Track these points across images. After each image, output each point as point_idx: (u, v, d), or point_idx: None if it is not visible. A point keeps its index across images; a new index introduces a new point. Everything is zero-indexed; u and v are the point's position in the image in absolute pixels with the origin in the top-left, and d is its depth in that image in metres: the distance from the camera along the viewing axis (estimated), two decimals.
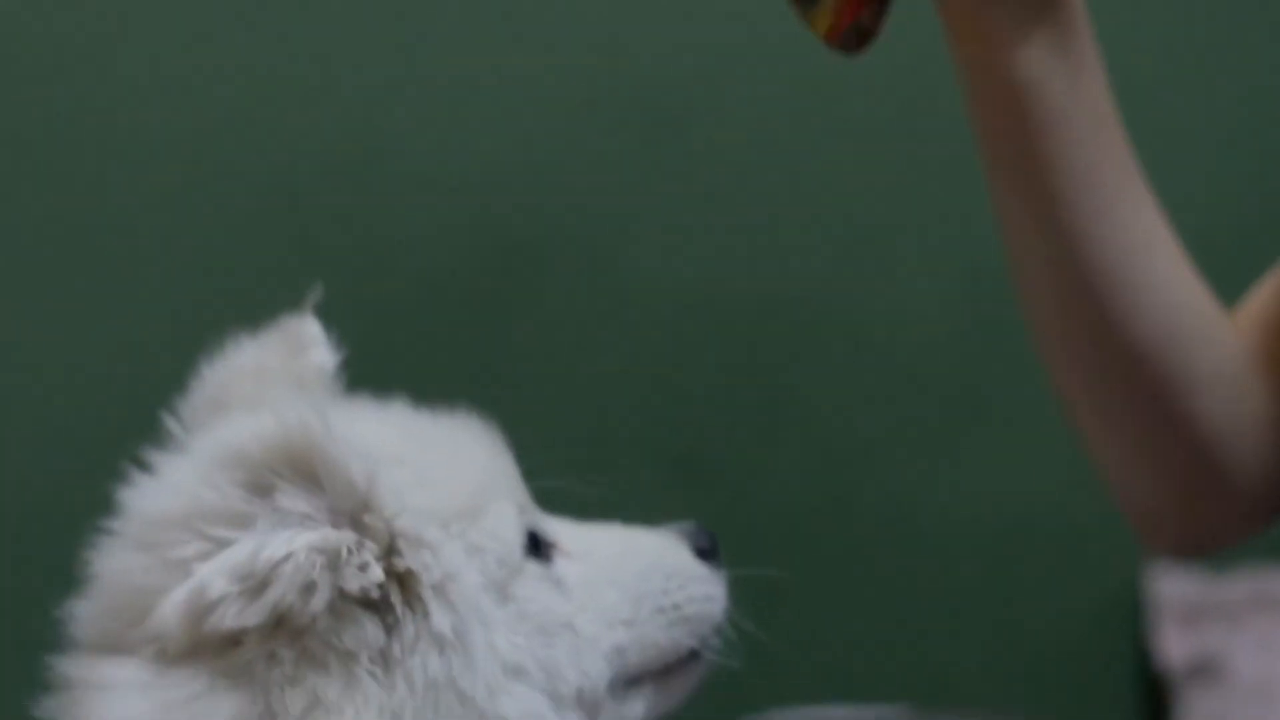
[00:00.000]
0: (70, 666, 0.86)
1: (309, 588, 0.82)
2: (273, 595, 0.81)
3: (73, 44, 1.68)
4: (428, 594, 0.85)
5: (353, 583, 0.83)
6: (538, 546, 0.93)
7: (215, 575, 0.81)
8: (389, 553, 0.85)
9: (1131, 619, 1.91)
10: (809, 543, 1.79)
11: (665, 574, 0.97)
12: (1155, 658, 1.88)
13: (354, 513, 0.84)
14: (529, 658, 0.89)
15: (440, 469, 0.90)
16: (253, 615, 0.81)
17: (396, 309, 1.77)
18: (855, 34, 1.01)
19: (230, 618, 0.81)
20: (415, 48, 1.74)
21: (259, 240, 1.72)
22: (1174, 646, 1.87)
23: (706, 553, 0.99)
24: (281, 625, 0.82)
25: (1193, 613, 1.85)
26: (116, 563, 0.86)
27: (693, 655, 0.97)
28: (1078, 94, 1.02)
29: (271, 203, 1.72)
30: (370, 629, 0.84)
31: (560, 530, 0.96)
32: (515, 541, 0.91)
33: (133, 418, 1.70)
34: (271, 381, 0.96)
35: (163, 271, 1.70)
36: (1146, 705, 1.90)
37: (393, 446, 0.89)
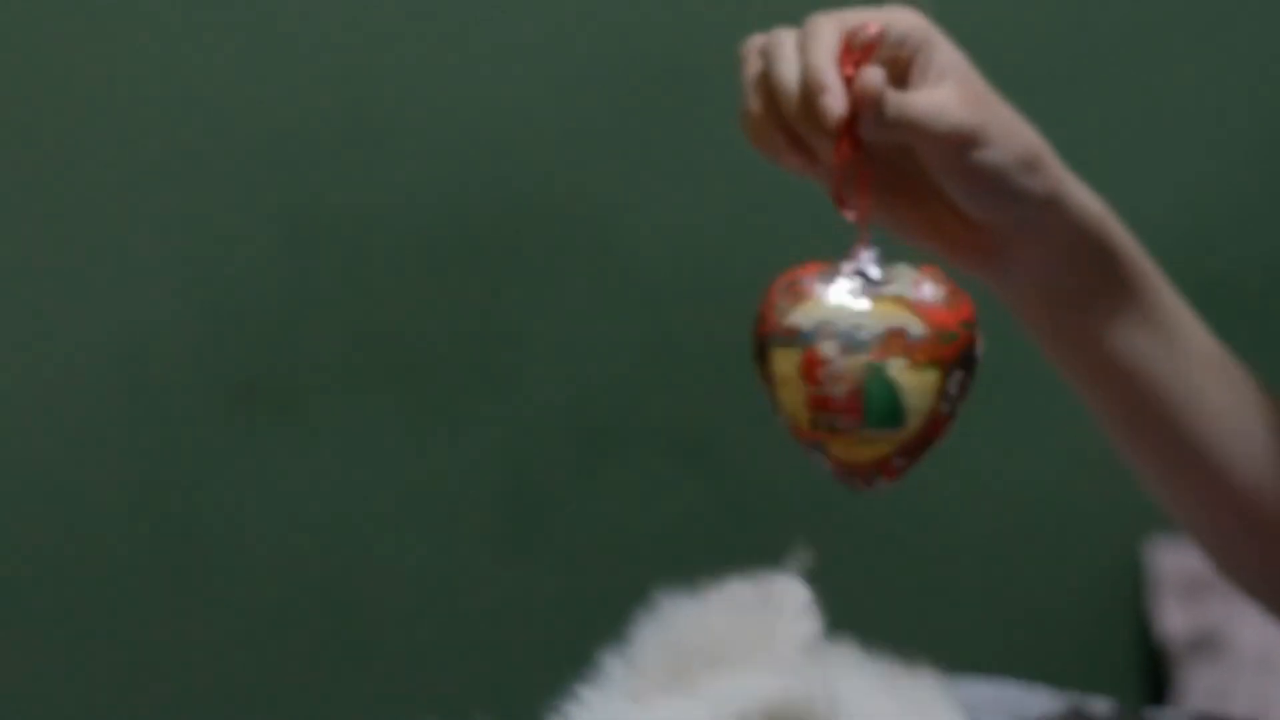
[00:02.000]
0: None
1: None
2: None
3: (61, 11, 1.68)
4: None
5: None
6: None
7: None
8: None
9: (1132, 592, 1.91)
10: (814, 521, 1.79)
11: None
12: (1156, 631, 1.88)
13: None
14: None
15: None
16: None
17: (390, 282, 1.76)
18: (895, 471, 0.97)
19: None
20: (410, 17, 1.74)
21: (251, 213, 1.72)
22: (1175, 619, 1.87)
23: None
24: None
25: (1193, 586, 1.86)
26: None
27: None
28: (1178, 353, 1.05)
29: (266, 174, 1.72)
30: None
31: None
32: None
33: (129, 391, 1.72)
34: (768, 640, 0.89)
35: (151, 243, 1.70)
36: (1148, 678, 1.90)
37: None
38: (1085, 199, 1.01)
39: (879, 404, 0.93)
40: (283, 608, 1.76)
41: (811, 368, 0.93)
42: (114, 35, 1.69)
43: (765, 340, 0.95)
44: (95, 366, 1.69)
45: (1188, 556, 1.88)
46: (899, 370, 0.92)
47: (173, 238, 1.70)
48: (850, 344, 0.93)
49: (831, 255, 1.81)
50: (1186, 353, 1.05)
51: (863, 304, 0.94)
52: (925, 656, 1.30)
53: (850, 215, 0.97)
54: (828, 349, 0.93)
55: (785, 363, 0.94)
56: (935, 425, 0.95)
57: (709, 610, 0.90)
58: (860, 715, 0.81)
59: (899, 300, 0.93)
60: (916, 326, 0.93)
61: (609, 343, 1.80)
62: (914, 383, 0.93)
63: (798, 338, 0.93)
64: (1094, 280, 1.02)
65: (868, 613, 1.94)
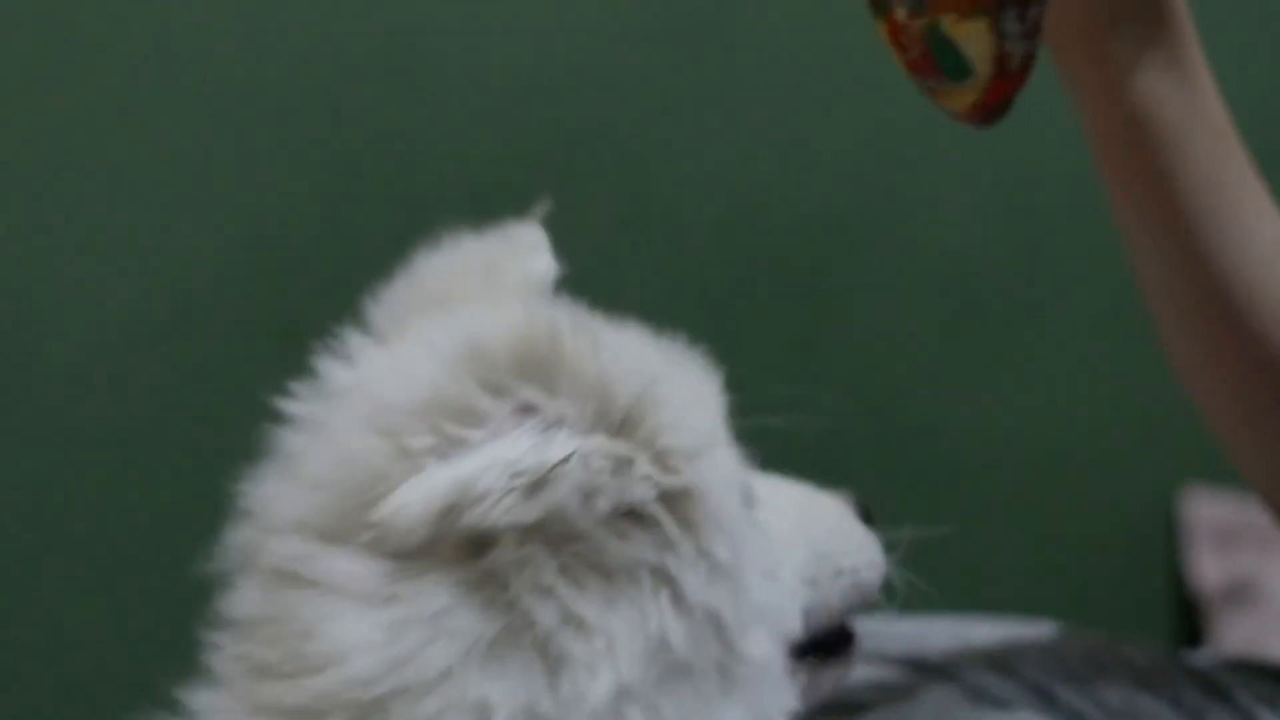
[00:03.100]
0: (278, 546, 0.80)
1: (592, 493, 0.77)
2: (551, 496, 0.76)
3: None
4: (703, 515, 0.80)
5: (636, 492, 0.78)
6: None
7: (485, 469, 0.75)
8: (662, 464, 0.80)
9: (1166, 542, 1.91)
10: (849, 463, 1.80)
11: (844, 536, 0.94)
12: (1189, 580, 1.89)
13: (620, 424, 0.79)
14: (768, 598, 0.84)
15: (693, 393, 0.85)
16: (522, 514, 0.76)
17: (426, 221, 1.76)
18: (1000, 110, 0.97)
19: (496, 515, 0.75)
20: None
21: (296, 157, 1.72)
22: (1208, 569, 1.87)
23: (867, 520, 0.97)
24: (543, 530, 0.77)
25: (1227, 536, 1.86)
26: (345, 442, 0.80)
27: (846, 637, 0.94)
28: (1195, 110, 1.02)
29: (311, 118, 1.72)
30: (642, 546, 0.79)
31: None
32: (747, 479, 0.87)
33: (174, 334, 1.73)
34: (497, 282, 0.91)
35: (199, 182, 1.70)
36: (1181, 628, 1.91)
37: (648, 361, 0.83)
38: None
39: (946, 60, 0.95)
40: None
41: (894, 34, 0.96)
42: None
43: (872, 7, 0.97)
44: (139, 306, 1.70)
45: (1222, 506, 1.88)
46: (950, 24, 0.94)
47: (218, 181, 1.71)
48: (914, 7, 0.95)
49: (867, 192, 1.82)
50: (1203, 114, 1.02)
51: None
52: (960, 602, 1.32)
53: None
54: (899, 14, 0.95)
55: (880, 30, 0.97)
56: (1005, 62, 0.96)
57: (450, 257, 0.93)
58: (627, 352, 0.81)
59: None
60: None
61: (645, 281, 1.80)
62: (966, 33, 0.94)
63: (880, 4, 0.96)
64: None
65: (902, 553, 1.95)
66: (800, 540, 0.90)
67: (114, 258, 1.69)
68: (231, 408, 1.73)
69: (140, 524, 1.72)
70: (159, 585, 1.74)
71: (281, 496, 0.82)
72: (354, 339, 0.87)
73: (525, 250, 0.95)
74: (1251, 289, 1.05)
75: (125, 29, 1.69)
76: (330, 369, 0.85)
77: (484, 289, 0.90)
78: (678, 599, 0.79)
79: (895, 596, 0.96)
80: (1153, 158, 1.02)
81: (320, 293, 1.73)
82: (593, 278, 1.92)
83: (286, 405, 0.85)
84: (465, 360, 0.79)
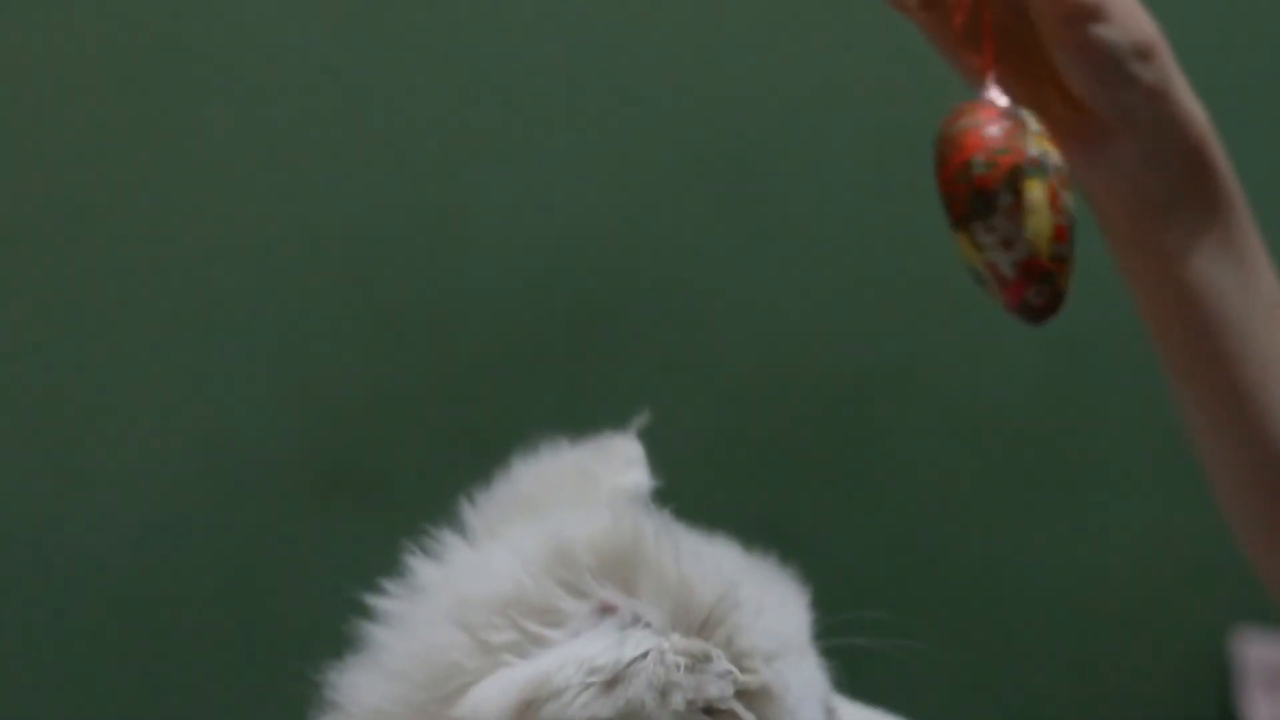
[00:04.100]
0: None
1: (668, 689, 0.79)
2: (628, 692, 0.78)
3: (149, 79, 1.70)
4: (780, 713, 0.83)
5: (714, 690, 0.80)
6: None
7: (563, 664, 0.78)
8: (738, 663, 0.82)
9: (1219, 683, 1.90)
10: (894, 605, 1.79)
11: None
12: None
13: (701, 625, 0.81)
14: None
15: (774, 599, 0.87)
16: (599, 710, 0.78)
17: (474, 370, 1.78)
18: (1033, 311, 0.97)
19: (574, 711, 0.77)
20: (494, 106, 1.76)
21: (342, 306, 1.74)
22: (1261, 711, 1.85)
23: None
24: None
25: None
26: (426, 635, 0.83)
27: None
28: (1250, 291, 1.03)
29: (356, 268, 1.74)
30: None
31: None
32: (828, 689, 0.89)
33: (219, 478, 1.73)
34: (591, 491, 0.93)
35: (243, 333, 1.72)
36: None
37: (731, 569, 0.86)
38: (1191, 103, 1.00)
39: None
40: None
41: (1055, 197, 0.94)
42: (206, 128, 1.71)
43: (1018, 169, 0.94)
44: (188, 454, 1.72)
45: (1275, 648, 1.86)
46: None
47: (266, 329, 1.73)
48: (1059, 176, 0.95)
49: (914, 339, 1.82)
50: (1258, 293, 1.02)
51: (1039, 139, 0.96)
52: None
53: (972, 63, 0.98)
54: (1056, 181, 0.94)
55: (1037, 190, 0.94)
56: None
57: (547, 464, 0.95)
58: (705, 557, 0.83)
59: (1041, 134, 0.95)
60: (1056, 155, 0.95)
61: (691, 433, 1.80)
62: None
63: (1041, 167, 0.94)
64: (1184, 188, 1.00)
65: (947, 696, 1.94)
66: None
67: (163, 404, 1.71)
68: (273, 554, 1.75)
69: (180, 668, 1.72)
70: None
71: (363, 686, 0.84)
72: (446, 538, 0.90)
73: (622, 462, 0.97)
74: None
75: (180, 180, 1.72)
76: (420, 565, 0.88)
77: (578, 497, 0.92)
78: None
79: None
80: (1208, 339, 1.03)
81: (363, 443, 1.75)
82: (644, 433, 1.93)
83: (376, 601, 0.88)
84: (548, 560, 0.82)
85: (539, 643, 0.79)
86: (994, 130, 0.94)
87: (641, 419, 0.98)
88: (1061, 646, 1.89)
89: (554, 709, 0.77)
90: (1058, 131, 0.99)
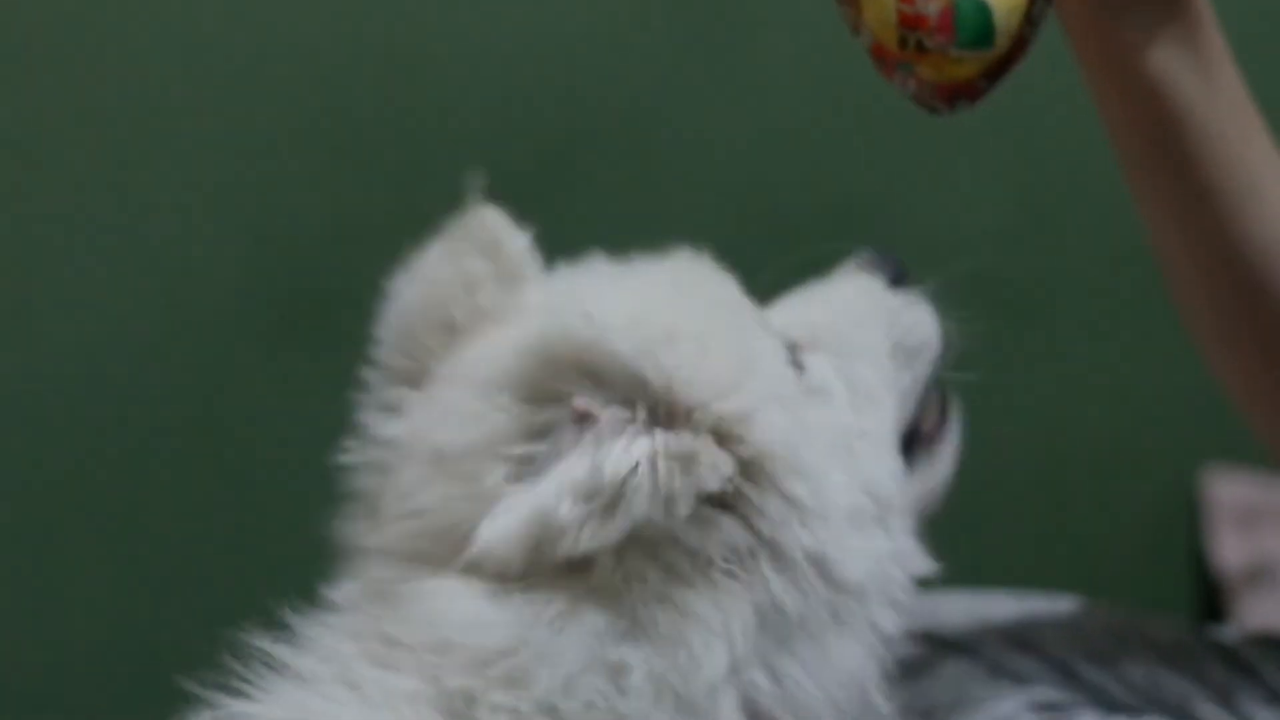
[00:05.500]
0: (379, 570, 0.82)
1: (670, 499, 0.78)
2: (630, 512, 0.77)
3: None
4: (777, 466, 0.81)
5: (712, 482, 0.79)
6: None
7: (556, 498, 0.77)
8: (724, 440, 0.80)
9: (1187, 522, 1.90)
10: None
11: (877, 319, 0.97)
12: (1211, 561, 1.88)
13: (669, 407, 0.79)
14: (855, 488, 0.85)
15: (706, 328, 0.84)
16: (608, 535, 0.77)
17: (438, 200, 1.76)
18: (980, 91, 0.97)
19: (584, 541, 0.77)
20: None
21: (298, 134, 1.71)
22: (1230, 550, 1.86)
23: (899, 279, 0.98)
24: (637, 540, 0.78)
25: (1249, 516, 1.85)
26: (428, 494, 0.82)
27: (944, 418, 1.00)
28: (1212, 90, 1.02)
29: (313, 93, 1.72)
30: (730, 527, 0.80)
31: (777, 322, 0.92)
32: (789, 371, 0.87)
33: (172, 314, 1.71)
34: (486, 287, 0.93)
35: (194, 164, 1.69)
36: (1202, 608, 1.90)
37: (656, 323, 0.83)
38: None
39: (971, 23, 0.94)
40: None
41: None
42: None
43: None
44: (139, 290, 1.70)
45: (1244, 486, 1.87)
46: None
47: (217, 158, 1.70)
48: None
49: (877, 177, 1.81)
50: (1219, 93, 1.02)
51: None
52: (979, 581, 1.31)
53: None
54: None
55: None
56: (1019, 47, 0.95)
57: (437, 269, 0.95)
58: (641, 331, 0.81)
59: None
60: None
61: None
62: (1005, 3, 0.93)
63: None
64: None
65: (927, 540, 1.95)
66: (849, 358, 0.92)
67: (111, 253, 1.69)
68: (230, 403, 1.73)
69: (141, 522, 1.72)
70: (163, 584, 1.74)
71: (366, 530, 0.85)
72: (387, 388, 0.90)
73: (491, 242, 0.96)
74: (1273, 262, 1.04)
75: (128, 24, 1.69)
76: (376, 422, 0.89)
77: (481, 301, 0.92)
78: (777, 557, 0.80)
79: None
80: (1170, 135, 1.02)
81: (319, 276, 1.73)
82: (610, 252, 1.92)
83: (344, 456, 0.89)
84: (501, 386, 0.81)
85: (528, 463, 0.79)
86: None
87: (478, 181, 0.99)
88: (1031, 487, 1.89)
89: (565, 545, 0.76)
90: None
